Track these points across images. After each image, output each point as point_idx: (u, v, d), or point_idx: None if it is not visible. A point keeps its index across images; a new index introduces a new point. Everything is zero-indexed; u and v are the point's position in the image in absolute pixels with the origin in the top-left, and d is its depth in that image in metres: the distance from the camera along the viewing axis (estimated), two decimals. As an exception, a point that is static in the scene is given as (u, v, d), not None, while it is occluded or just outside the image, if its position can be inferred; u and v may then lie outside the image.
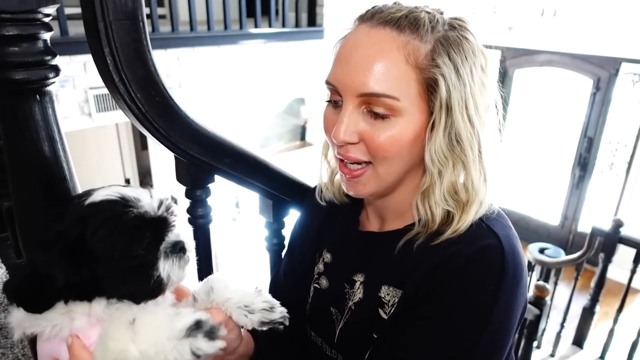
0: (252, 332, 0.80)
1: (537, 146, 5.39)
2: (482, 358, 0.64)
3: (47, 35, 0.62)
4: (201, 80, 3.90)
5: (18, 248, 1.01)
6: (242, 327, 0.68)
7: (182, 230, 0.63)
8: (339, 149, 0.71)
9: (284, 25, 4.42)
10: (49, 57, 0.63)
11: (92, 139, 4.86)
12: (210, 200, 0.90)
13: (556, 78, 5.09)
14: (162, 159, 4.55)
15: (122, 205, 0.56)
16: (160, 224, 0.59)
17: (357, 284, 0.79)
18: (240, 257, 4.15)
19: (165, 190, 4.61)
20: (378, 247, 0.79)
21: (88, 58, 3.23)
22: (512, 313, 0.65)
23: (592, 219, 4.85)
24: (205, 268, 0.94)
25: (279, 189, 0.95)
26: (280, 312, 0.67)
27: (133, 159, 5.22)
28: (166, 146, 0.78)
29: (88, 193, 0.58)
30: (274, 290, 0.96)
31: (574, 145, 5.12)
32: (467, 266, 0.65)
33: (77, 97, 3.35)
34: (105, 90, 3.49)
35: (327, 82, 0.71)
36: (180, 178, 0.86)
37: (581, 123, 4.97)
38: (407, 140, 0.67)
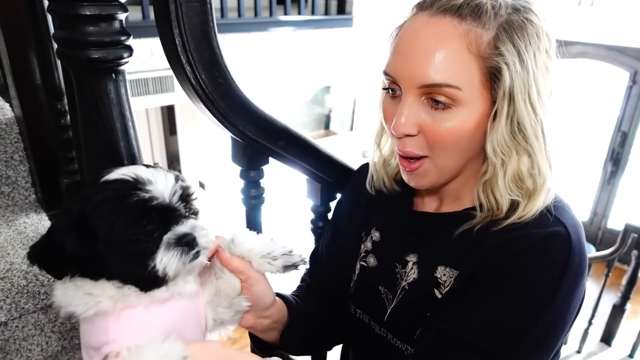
0: (288, 303, 0.84)
1: (568, 140, 5.27)
2: (535, 343, 0.63)
3: (123, 16, 0.64)
4: (231, 66, 3.93)
5: (75, 223, 1.05)
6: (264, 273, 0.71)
7: (199, 222, 0.60)
8: (398, 142, 0.71)
9: (313, 13, 4.41)
10: (124, 37, 0.65)
11: (123, 123, 4.96)
12: (263, 182, 0.92)
13: (590, 70, 4.96)
14: (190, 144, 4.62)
15: (131, 186, 0.55)
16: (167, 212, 0.56)
17: (410, 264, 0.79)
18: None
19: (192, 176, 4.69)
20: (435, 228, 0.79)
21: (123, 43, 3.29)
22: (572, 303, 0.65)
23: (623, 215, 4.74)
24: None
25: (328, 173, 0.97)
26: (298, 255, 0.70)
27: (162, 144, 5.31)
28: (225, 127, 0.80)
29: (107, 171, 0.58)
30: (314, 262, 0.97)
31: (606, 140, 5.00)
32: (533, 250, 0.64)
33: (111, 82, 3.42)
34: (138, 76, 3.55)
35: (386, 73, 0.70)
36: (235, 159, 0.88)
37: (615, 117, 4.85)
38: (467, 131, 0.67)
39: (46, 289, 0.93)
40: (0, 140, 1.09)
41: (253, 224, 0.95)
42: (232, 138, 0.86)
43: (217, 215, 4.39)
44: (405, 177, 0.76)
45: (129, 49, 0.66)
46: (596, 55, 4.83)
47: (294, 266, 0.70)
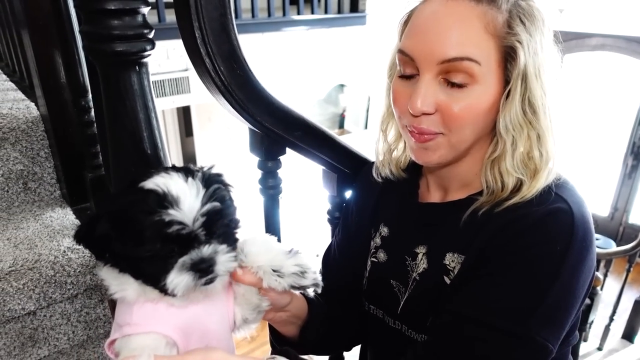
0: (308, 299, 0.84)
1: (587, 134, 5.19)
2: (546, 316, 0.64)
3: (145, 10, 0.67)
4: (247, 61, 3.97)
5: (99, 216, 1.09)
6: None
7: (223, 247, 0.59)
8: (413, 120, 0.71)
9: (326, 12, 4.43)
10: (147, 31, 0.67)
11: (141, 125, 5.04)
12: (280, 172, 0.93)
13: (609, 63, 4.88)
14: (206, 145, 4.67)
15: (157, 203, 0.54)
16: (186, 238, 0.56)
17: (420, 255, 0.80)
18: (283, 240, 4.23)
19: (209, 176, 4.74)
20: (441, 217, 0.80)
21: (140, 46, 3.35)
22: (580, 277, 0.66)
23: (645, 210, 4.65)
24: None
25: (344, 163, 0.98)
26: (312, 278, 0.67)
27: (178, 145, 5.38)
28: (244, 117, 0.82)
29: (150, 174, 0.58)
30: (327, 264, 0.99)
31: (627, 133, 4.91)
32: (536, 226, 0.66)
33: (129, 84, 3.48)
34: (156, 77, 3.60)
35: (402, 52, 0.71)
36: (253, 149, 0.90)
37: (635, 110, 4.76)
38: (483, 109, 0.68)
39: (72, 279, 0.97)
40: (27, 137, 1.13)
41: (270, 215, 0.97)
42: (249, 129, 0.88)
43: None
44: (413, 154, 0.76)
45: (152, 42, 0.69)
46: (615, 47, 4.75)
47: (304, 288, 0.68)
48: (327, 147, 0.94)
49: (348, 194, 1.05)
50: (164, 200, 0.55)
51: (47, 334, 0.99)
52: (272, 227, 0.98)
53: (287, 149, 0.92)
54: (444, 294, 0.74)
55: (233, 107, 0.80)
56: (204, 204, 0.56)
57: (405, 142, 0.83)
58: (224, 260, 0.59)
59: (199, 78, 0.80)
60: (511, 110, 0.68)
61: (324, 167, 1.00)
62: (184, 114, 5.81)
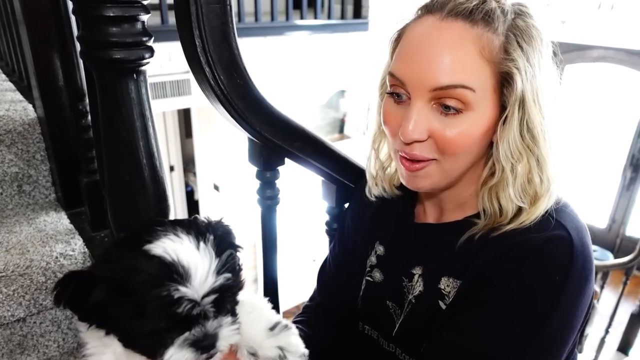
0: None
1: (586, 146, 5.19)
2: (543, 348, 0.63)
3: (145, 17, 0.65)
4: (248, 70, 3.96)
5: (93, 222, 1.07)
6: None
7: (229, 319, 0.55)
8: (404, 146, 0.69)
9: (329, 17, 4.42)
10: (146, 38, 0.66)
11: (140, 125, 5.02)
12: (279, 183, 0.92)
13: (610, 75, 4.89)
14: (205, 147, 4.66)
15: (165, 275, 0.49)
16: (194, 315, 0.51)
17: (416, 276, 0.77)
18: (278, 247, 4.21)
19: (207, 178, 4.73)
20: (437, 239, 0.77)
21: (142, 47, 3.34)
22: (578, 306, 0.64)
23: (643, 223, 4.64)
24: (270, 249, 0.97)
25: (343, 174, 0.97)
26: None
27: (178, 146, 5.36)
28: (243, 127, 0.80)
29: (156, 233, 0.52)
30: (323, 279, 0.98)
31: (626, 145, 4.90)
32: (534, 255, 0.64)
33: (129, 85, 3.47)
34: (156, 79, 3.59)
35: (393, 75, 0.68)
36: (252, 159, 0.89)
37: (635, 122, 4.76)
38: (478, 135, 0.66)
39: (65, 285, 0.95)
40: (23, 140, 1.12)
41: (267, 225, 0.95)
42: (249, 139, 0.86)
43: (231, 217, 4.43)
44: (403, 180, 0.74)
45: (150, 50, 0.67)
46: (616, 60, 4.76)
47: None
48: (326, 158, 0.93)
49: (347, 205, 1.04)
50: (173, 272, 0.49)
51: (37, 341, 0.97)
52: (268, 237, 0.97)
53: (286, 160, 0.90)
54: (439, 319, 0.72)
55: (232, 117, 0.79)
56: (216, 278, 0.52)
57: None
58: (227, 334, 0.55)
59: (199, 86, 0.79)
60: (509, 137, 0.65)
61: (323, 178, 0.99)
62: (185, 115, 5.80)
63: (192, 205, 5.70)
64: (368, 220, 0.89)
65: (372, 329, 0.85)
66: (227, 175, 4.37)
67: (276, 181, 0.91)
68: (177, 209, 5.62)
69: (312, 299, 1.01)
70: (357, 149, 5.35)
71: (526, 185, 0.67)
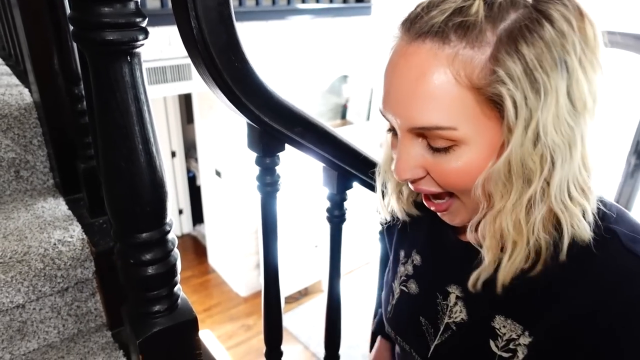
0: None
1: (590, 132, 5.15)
2: None
3: (138, -3, 0.63)
4: (249, 55, 3.92)
5: (92, 208, 1.06)
6: None
7: None
8: (411, 183, 0.62)
9: (331, 1, 4.36)
10: (140, 19, 0.63)
11: (141, 111, 5.00)
12: (279, 169, 0.90)
13: (614, 60, 4.82)
14: (206, 133, 4.63)
15: None
16: None
17: (453, 297, 0.70)
18: (282, 233, 4.22)
19: (209, 164, 4.72)
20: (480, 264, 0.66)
21: (141, 31, 3.30)
22: None
23: (647, 210, 4.62)
24: (271, 236, 0.96)
25: (345, 161, 0.95)
26: None
27: (179, 132, 5.35)
28: (241, 112, 0.78)
29: None
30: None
31: (631, 131, 4.85)
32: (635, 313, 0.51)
33: (130, 69, 3.44)
34: (157, 64, 3.56)
35: (382, 113, 0.61)
36: (251, 145, 0.87)
37: (641, 108, 4.70)
38: (479, 167, 0.55)
39: (62, 272, 0.94)
40: (20, 125, 1.10)
41: (268, 212, 0.94)
42: (248, 124, 0.84)
43: (232, 203, 4.42)
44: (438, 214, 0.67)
45: (145, 32, 0.65)
46: (623, 45, 4.68)
47: None
48: (327, 144, 0.91)
49: (350, 191, 1.02)
50: None
51: (37, 327, 0.97)
52: (268, 223, 0.95)
53: (287, 146, 0.89)
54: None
55: (230, 101, 0.77)
56: None
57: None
58: None
59: (196, 70, 0.76)
60: (514, 154, 0.52)
61: (324, 165, 0.97)
62: (186, 101, 5.77)
63: (194, 191, 5.71)
64: (401, 221, 0.81)
65: (404, 341, 0.79)
66: (228, 161, 4.35)
67: (276, 167, 0.89)
68: (180, 195, 5.62)
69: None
70: (359, 134, 5.31)
71: (560, 200, 0.54)
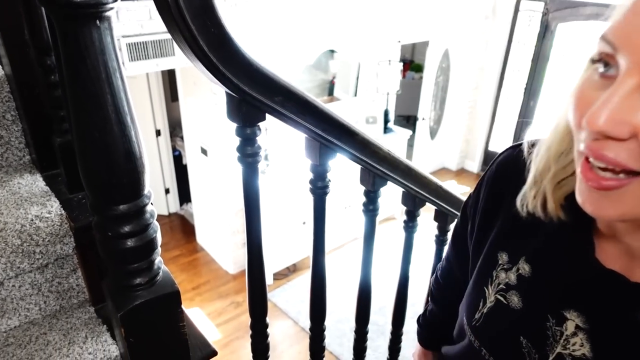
0: None
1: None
2: None
3: (105, -43, 0.60)
4: (233, 30, 3.83)
5: (70, 184, 1.04)
6: None
7: None
8: (592, 141, 0.46)
9: (316, -27, 4.26)
10: (108, -19, 0.61)
11: (124, 89, 4.89)
12: (260, 140, 0.89)
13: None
14: (191, 110, 4.56)
15: None
16: None
17: (571, 324, 0.60)
18: (269, 210, 4.21)
19: (195, 142, 4.66)
20: (625, 300, 0.55)
21: (120, 5, 3.19)
22: None
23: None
24: (253, 209, 0.95)
25: (327, 131, 0.93)
26: None
27: (164, 110, 5.26)
28: (220, 80, 0.76)
29: None
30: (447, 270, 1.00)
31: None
32: None
33: (110, 45, 3.34)
34: (138, 39, 3.47)
35: (604, 39, 0.46)
36: (231, 115, 0.85)
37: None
38: None
39: (41, 248, 0.92)
40: (-9, 99, 1.06)
41: (250, 184, 0.92)
42: (226, 93, 0.82)
43: (219, 180, 4.39)
44: (580, 197, 0.50)
45: (114, -6, 0.62)
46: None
47: None
48: (309, 114, 0.89)
49: (332, 162, 1.01)
50: None
51: (17, 305, 0.96)
52: (251, 196, 0.94)
53: (267, 115, 0.87)
54: None
55: (207, 69, 0.74)
56: None
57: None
58: None
59: (171, 37, 0.74)
60: None
61: (306, 135, 0.96)
62: (170, 78, 5.66)
63: (181, 169, 5.66)
64: (510, 217, 0.69)
65: (491, 355, 0.69)
66: (214, 139, 4.30)
67: (257, 138, 0.88)
68: (166, 175, 5.57)
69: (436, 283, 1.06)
70: (347, 111, 5.27)
71: None
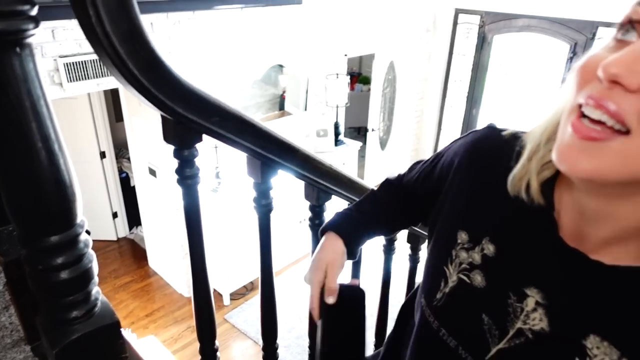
0: None
1: (514, 112, 5.47)
2: None
3: (23, -17, 0.58)
4: (176, 47, 3.78)
5: (-1, 215, 0.98)
6: None
7: None
8: (598, 91, 0.46)
9: (260, -10, 4.29)
10: (27, 7, 0.59)
11: (64, 110, 4.71)
12: (198, 161, 0.88)
13: (534, 43, 5.13)
14: (137, 130, 4.44)
15: None
16: None
17: (531, 301, 0.61)
18: (221, 228, 4.15)
19: (142, 163, 4.53)
20: (584, 275, 0.58)
21: (56, 24, 3.08)
22: None
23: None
24: (195, 230, 0.94)
25: (267, 149, 0.94)
26: None
27: (108, 131, 5.08)
28: (152, 103, 0.75)
29: None
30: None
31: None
32: None
33: (46, 66, 3.21)
34: (76, 59, 3.35)
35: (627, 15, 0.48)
36: (167, 138, 0.84)
37: (557, 88, 5.05)
38: None
39: (-32, 286, 0.87)
40: None
41: (191, 208, 0.91)
42: (161, 116, 0.82)
43: (169, 201, 4.28)
44: (557, 153, 0.50)
45: (34, 21, 0.60)
46: (539, 29, 4.99)
47: None
48: (248, 133, 0.90)
49: (274, 180, 1.02)
50: None
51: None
52: (192, 219, 0.93)
53: (205, 136, 0.86)
54: None
55: (140, 92, 0.74)
56: None
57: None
58: None
59: (101, 60, 0.73)
60: None
61: (247, 154, 0.96)
62: (113, 98, 5.49)
63: (129, 192, 5.47)
64: (477, 193, 0.70)
65: (451, 337, 0.69)
66: (163, 159, 4.20)
67: (195, 159, 0.87)
68: (113, 198, 5.37)
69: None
70: (298, 125, 5.31)
71: None
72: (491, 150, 0.71)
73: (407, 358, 0.78)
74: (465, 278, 0.69)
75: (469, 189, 0.72)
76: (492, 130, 0.74)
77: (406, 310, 0.92)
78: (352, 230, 0.91)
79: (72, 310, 0.73)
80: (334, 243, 0.90)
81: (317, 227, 1.20)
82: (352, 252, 0.91)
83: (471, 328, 0.66)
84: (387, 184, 1.00)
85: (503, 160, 0.67)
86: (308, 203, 1.20)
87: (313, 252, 1.22)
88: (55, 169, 0.66)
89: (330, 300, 0.81)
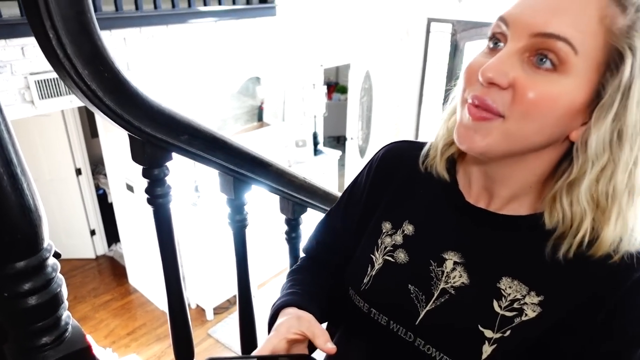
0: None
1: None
2: None
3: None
4: (150, 62, 3.76)
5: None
6: None
7: None
8: (478, 90, 0.60)
9: (234, 3, 4.30)
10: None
11: (37, 128, 4.61)
12: (169, 179, 0.88)
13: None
14: (113, 146, 4.38)
15: None
16: None
17: (450, 262, 0.70)
18: (202, 242, 4.11)
19: (119, 179, 4.47)
20: (491, 229, 0.69)
21: (26, 41, 3.04)
22: None
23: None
24: (168, 249, 0.93)
25: (239, 165, 0.94)
26: None
27: (83, 148, 5.00)
28: (119, 124, 0.75)
29: None
30: (325, 239, 0.91)
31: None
32: None
33: (16, 84, 3.15)
34: (48, 75, 3.30)
35: (501, 19, 0.60)
36: (136, 158, 0.84)
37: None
38: (560, 107, 0.57)
39: None
40: None
41: (162, 224, 0.91)
42: (129, 135, 0.81)
43: (148, 217, 4.23)
44: (457, 135, 0.64)
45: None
46: (508, 36, 5.11)
47: None
48: (219, 150, 0.90)
49: (247, 196, 1.02)
50: None
51: None
52: (164, 237, 0.92)
53: (175, 154, 0.86)
54: (490, 321, 0.65)
55: (105, 114, 0.73)
56: None
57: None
58: None
59: (64, 83, 0.72)
60: (602, 128, 0.57)
61: (219, 171, 0.96)
62: (88, 114, 5.41)
63: (106, 208, 5.38)
64: (391, 192, 0.80)
65: (382, 314, 0.75)
66: (140, 175, 4.15)
67: (166, 178, 0.87)
68: (90, 215, 5.27)
69: (308, 251, 0.95)
70: (277, 136, 5.31)
71: (594, 190, 0.59)
72: (401, 150, 0.83)
73: (339, 346, 0.74)
74: (389, 258, 0.77)
75: (388, 186, 0.81)
76: (403, 141, 0.86)
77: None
78: (305, 298, 0.85)
79: (42, 337, 0.71)
80: (287, 313, 0.80)
81: (295, 241, 1.20)
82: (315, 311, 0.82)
83: (399, 299, 0.73)
84: (308, 254, 0.96)
85: (413, 156, 0.79)
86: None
87: (291, 266, 1.20)
88: (18, 193, 0.64)
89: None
